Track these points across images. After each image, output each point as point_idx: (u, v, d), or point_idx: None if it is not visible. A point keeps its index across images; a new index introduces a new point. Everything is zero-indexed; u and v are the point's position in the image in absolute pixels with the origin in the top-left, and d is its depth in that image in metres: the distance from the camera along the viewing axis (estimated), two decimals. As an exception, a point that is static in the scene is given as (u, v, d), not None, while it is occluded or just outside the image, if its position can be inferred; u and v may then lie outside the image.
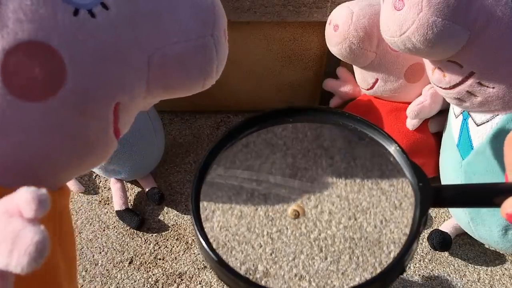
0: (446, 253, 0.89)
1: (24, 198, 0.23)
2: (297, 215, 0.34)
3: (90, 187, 1.01)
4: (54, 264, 0.37)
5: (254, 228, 0.35)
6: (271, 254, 0.33)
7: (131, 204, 0.97)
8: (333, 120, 0.36)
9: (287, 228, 0.35)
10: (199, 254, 0.88)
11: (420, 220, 0.28)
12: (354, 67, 0.94)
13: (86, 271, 0.85)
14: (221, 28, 0.43)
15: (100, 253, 0.89)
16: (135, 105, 0.41)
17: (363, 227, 0.34)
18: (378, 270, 0.30)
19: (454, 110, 0.80)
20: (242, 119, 0.37)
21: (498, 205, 0.26)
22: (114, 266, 0.86)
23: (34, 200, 0.23)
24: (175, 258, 0.88)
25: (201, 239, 0.29)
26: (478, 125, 0.73)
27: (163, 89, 0.42)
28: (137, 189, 1.00)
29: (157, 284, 0.84)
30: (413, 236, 0.28)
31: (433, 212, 0.97)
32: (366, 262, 0.31)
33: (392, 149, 0.35)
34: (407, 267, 0.29)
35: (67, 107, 0.34)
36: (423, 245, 0.91)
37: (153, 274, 0.85)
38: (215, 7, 0.41)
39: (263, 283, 0.30)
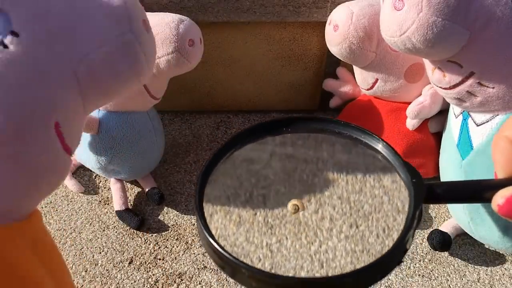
0: (446, 253, 0.89)
1: None
2: (297, 209, 0.34)
3: (90, 187, 1.01)
4: (40, 285, 0.38)
5: (253, 238, 0.34)
6: (270, 270, 0.33)
7: (131, 204, 0.97)
8: (321, 128, 0.37)
9: (287, 238, 0.34)
10: (199, 254, 0.88)
11: (414, 215, 0.29)
12: (354, 67, 0.94)
13: (86, 271, 0.85)
14: (138, 19, 0.42)
15: (100, 253, 0.89)
16: (78, 118, 0.41)
17: (365, 237, 0.34)
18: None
19: (454, 110, 0.80)
20: (244, 129, 0.37)
21: (488, 199, 0.27)
22: (114, 266, 0.86)
23: None
24: (175, 258, 0.88)
25: (210, 240, 0.30)
26: (478, 125, 0.73)
27: (100, 95, 0.41)
28: (137, 189, 1.00)
29: (157, 284, 0.84)
30: (406, 231, 0.29)
31: (433, 212, 0.97)
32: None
33: (380, 147, 0.35)
34: (402, 261, 0.29)
35: (6, 143, 0.33)
36: (423, 245, 0.91)
37: (153, 274, 0.85)
38: (125, 2, 0.40)
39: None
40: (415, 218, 0.29)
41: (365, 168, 0.37)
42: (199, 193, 0.33)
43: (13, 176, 0.35)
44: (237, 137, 0.36)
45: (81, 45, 0.37)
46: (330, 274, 0.31)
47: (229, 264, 0.29)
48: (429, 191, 0.30)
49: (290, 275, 0.30)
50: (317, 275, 0.31)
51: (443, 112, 0.89)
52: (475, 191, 0.29)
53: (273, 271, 0.32)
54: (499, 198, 0.26)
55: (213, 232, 0.33)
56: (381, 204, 0.36)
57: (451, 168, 0.81)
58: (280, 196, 0.38)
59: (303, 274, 0.32)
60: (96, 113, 0.86)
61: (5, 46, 0.34)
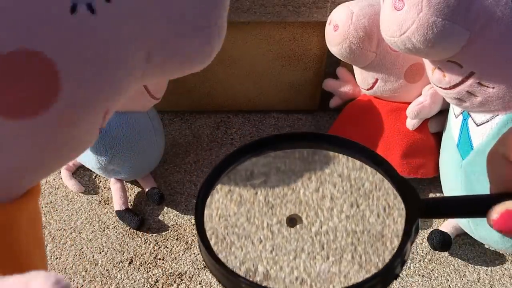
0: (446, 253, 0.89)
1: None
2: (294, 223, 0.34)
3: (90, 187, 1.01)
4: (31, 255, 0.37)
5: (254, 219, 0.34)
6: (271, 252, 0.32)
7: (131, 204, 0.97)
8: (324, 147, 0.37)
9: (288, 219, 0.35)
10: (199, 254, 0.88)
11: (411, 229, 0.29)
12: (354, 67, 0.94)
13: (86, 271, 0.85)
14: (224, 14, 0.38)
15: (100, 253, 0.89)
16: (124, 99, 0.37)
17: (366, 217, 0.34)
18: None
19: (454, 110, 0.80)
20: (246, 144, 0.36)
21: (484, 214, 0.28)
22: (114, 266, 0.86)
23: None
24: (175, 258, 0.88)
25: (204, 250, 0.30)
26: (478, 125, 0.73)
27: (157, 78, 0.38)
28: (137, 189, 1.00)
29: (157, 284, 0.84)
30: (404, 244, 0.29)
31: (433, 212, 0.98)
32: (369, 262, 0.31)
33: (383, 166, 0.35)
34: (399, 274, 0.29)
35: (60, 121, 0.30)
36: (423, 245, 0.91)
37: (153, 274, 0.85)
38: None
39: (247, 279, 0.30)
40: (412, 233, 0.29)
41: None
42: (200, 221, 0.33)
43: (43, 155, 0.32)
44: (236, 153, 0.36)
45: (164, 27, 0.33)
46: (331, 257, 0.31)
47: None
48: (425, 206, 0.30)
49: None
50: (318, 257, 0.31)
51: (443, 112, 0.89)
52: (471, 206, 0.30)
53: (274, 253, 0.32)
54: (493, 213, 0.26)
55: (214, 213, 0.33)
56: (381, 181, 0.36)
57: (451, 168, 0.81)
58: (281, 174, 0.37)
59: (303, 256, 0.32)
60: (96, 113, 0.86)
61: (93, 11, 0.28)
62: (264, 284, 0.30)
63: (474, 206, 0.29)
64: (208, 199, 0.35)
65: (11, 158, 0.30)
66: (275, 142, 0.38)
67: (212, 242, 0.33)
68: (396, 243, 0.31)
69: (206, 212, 0.35)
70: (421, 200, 0.31)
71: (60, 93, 0.28)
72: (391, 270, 0.29)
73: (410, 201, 0.31)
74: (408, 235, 0.29)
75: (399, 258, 0.29)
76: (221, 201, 0.36)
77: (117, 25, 0.30)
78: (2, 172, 0.31)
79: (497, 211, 0.26)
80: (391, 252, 0.31)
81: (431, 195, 1.00)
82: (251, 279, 0.30)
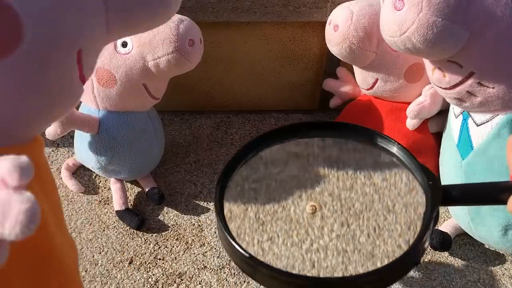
0: (446, 253, 0.89)
1: (6, 168, 0.22)
2: (314, 210, 0.34)
3: (90, 187, 1.01)
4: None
5: (244, 235, 0.34)
6: None
7: (131, 204, 0.97)
8: (342, 135, 0.37)
9: (278, 236, 0.34)
10: (199, 254, 0.89)
11: (431, 217, 0.29)
12: (354, 67, 0.94)
13: (86, 271, 0.85)
14: None
15: (100, 253, 0.89)
16: (97, 48, 0.40)
17: (356, 237, 0.34)
18: None
19: (454, 110, 0.80)
20: (260, 135, 0.37)
21: (504, 201, 0.27)
22: (114, 266, 0.86)
23: (16, 168, 0.22)
24: (175, 258, 0.88)
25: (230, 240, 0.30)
26: (478, 125, 0.73)
27: (125, 28, 0.40)
28: (137, 189, 1.00)
29: (157, 284, 0.84)
30: (424, 232, 0.29)
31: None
32: None
33: (395, 149, 0.35)
34: (419, 261, 0.29)
35: (28, 62, 0.32)
36: (423, 245, 0.91)
37: (153, 274, 0.85)
38: None
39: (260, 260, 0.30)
40: (432, 220, 0.29)
41: (356, 164, 0.37)
42: (219, 201, 0.33)
43: (28, 96, 0.34)
44: (262, 137, 0.36)
45: None
46: (322, 276, 0.31)
47: (250, 265, 0.29)
48: (445, 193, 0.30)
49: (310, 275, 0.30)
50: (309, 275, 0.31)
51: (443, 112, 0.89)
52: (491, 193, 0.29)
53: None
54: None
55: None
56: (371, 202, 0.36)
57: (451, 168, 0.81)
58: (271, 191, 0.37)
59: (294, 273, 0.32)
60: (96, 113, 0.86)
61: None
62: None
63: (493, 193, 0.29)
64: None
65: (3, 100, 0.33)
66: (299, 130, 0.38)
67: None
68: (386, 263, 0.31)
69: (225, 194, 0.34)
70: (442, 188, 0.31)
71: (23, 34, 0.31)
72: (412, 255, 0.28)
73: (431, 188, 0.31)
74: (429, 221, 0.29)
75: (420, 243, 0.29)
76: (212, 218, 0.36)
77: None
78: (6, 115, 0.34)
79: None
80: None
81: (431, 195, 1.00)
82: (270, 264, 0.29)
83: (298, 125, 0.38)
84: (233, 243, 0.30)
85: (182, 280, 0.84)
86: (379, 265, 0.31)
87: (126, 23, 0.40)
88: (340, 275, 0.31)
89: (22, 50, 0.31)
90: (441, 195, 0.30)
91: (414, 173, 0.34)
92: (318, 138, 0.38)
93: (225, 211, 0.35)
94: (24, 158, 0.23)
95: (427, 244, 0.29)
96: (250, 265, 0.29)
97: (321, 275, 0.31)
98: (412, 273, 0.86)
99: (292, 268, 0.32)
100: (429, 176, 0.32)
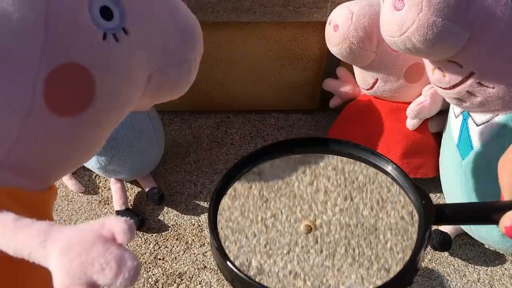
0: (446, 253, 0.89)
1: (120, 227, 0.26)
2: (309, 230, 0.34)
3: (90, 187, 1.01)
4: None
5: (248, 213, 0.34)
6: (265, 246, 0.32)
7: (131, 204, 0.97)
8: (334, 150, 0.37)
9: (281, 213, 0.34)
10: (199, 254, 0.89)
11: (424, 236, 0.29)
12: (354, 67, 0.94)
13: (86, 271, 0.85)
14: (201, 52, 0.50)
15: (100, 253, 0.89)
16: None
17: (359, 210, 0.34)
18: (374, 265, 0.30)
19: (454, 110, 0.80)
20: (255, 149, 0.37)
21: (496, 221, 0.28)
22: (114, 266, 0.86)
23: (129, 229, 0.26)
24: (175, 258, 0.88)
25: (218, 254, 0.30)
26: (478, 125, 0.73)
27: (147, 100, 0.48)
28: (137, 189, 1.00)
29: (157, 284, 0.84)
30: (417, 252, 0.29)
31: (433, 212, 0.97)
32: (362, 255, 0.31)
33: (389, 169, 0.35)
34: (412, 282, 0.29)
35: (91, 122, 0.38)
36: (423, 245, 0.91)
37: (153, 274, 0.85)
38: (199, 32, 0.48)
39: (257, 281, 0.30)
40: (425, 239, 0.29)
41: (374, 192, 0.37)
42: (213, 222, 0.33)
43: (75, 149, 0.39)
44: (238, 165, 0.36)
45: (159, 57, 0.43)
46: (324, 251, 0.31)
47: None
48: (438, 212, 0.30)
49: None
50: (312, 251, 0.31)
51: (443, 112, 0.89)
52: (483, 213, 0.29)
53: (268, 247, 0.32)
54: (506, 220, 0.26)
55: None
56: (375, 174, 0.36)
57: (451, 168, 0.81)
58: (275, 168, 0.37)
59: (297, 250, 0.32)
60: (96, 113, 0.86)
61: (117, 40, 0.37)
62: (257, 278, 0.30)
63: (486, 213, 0.29)
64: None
65: (56, 150, 0.38)
66: (291, 146, 0.38)
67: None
68: (389, 236, 0.31)
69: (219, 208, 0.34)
70: (435, 207, 0.31)
71: (94, 98, 0.36)
72: (406, 275, 0.28)
73: (424, 208, 0.31)
74: (422, 240, 0.29)
75: (413, 265, 0.29)
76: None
77: (132, 51, 0.39)
78: (49, 162, 0.38)
79: (510, 218, 0.26)
80: (384, 246, 0.31)
81: (431, 195, 1.00)
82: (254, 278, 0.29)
83: (289, 141, 0.38)
84: (229, 263, 0.30)
85: (182, 280, 0.84)
86: (381, 238, 0.31)
87: (153, 97, 0.48)
88: (343, 250, 0.31)
89: (89, 112, 0.36)
90: (434, 214, 0.31)
91: (407, 192, 0.34)
92: (313, 153, 0.39)
93: (229, 190, 0.35)
94: (131, 221, 0.27)
95: (419, 264, 0.30)
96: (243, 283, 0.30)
97: (324, 251, 0.31)
98: (412, 273, 0.86)
99: (295, 245, 0.32)
100: (422, 195, 0.32)
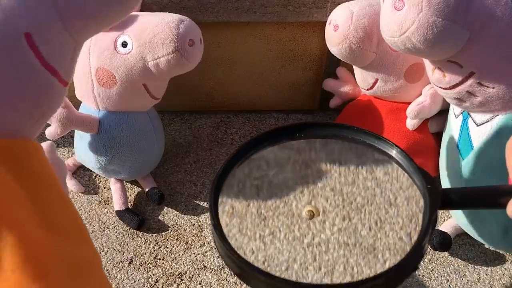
0: (446, 253, 0.89)
1: None
2: (312, 215, 0.34)
3: (90, 187, 1.01)
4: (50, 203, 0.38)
5: (246, 230, 0.34)
6: (263, 263, 0.32)
7: (131, 204, 0.97)
8: (337, 134, 0.37)
9: (280, 230, 0.34)
10: (199, 254, 0.89)
11: (430, 220, 0.29)
12: (354, 67, 0.94)
13: (86, 271, 0.85)
14: None
15: (100, 253, 0.89)
16: (58, 38, 0.40)
17: (358, 230, 0.34)
18: None
19: (454, 110, 0.80)
20: (253, 137, 0.37)
21: (503, 205, 0.27)
22: (114, 266, 0.86)
23: None
24: (175, 258, 0.88)
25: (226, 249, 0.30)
26: (478, 125, 0.73)
27: (81, 19, 0.40)
28: (137, 189, 1.00)
29: (157, 284, 0.84)
30: (423, 236, 0.29)
31: (433, 212, 0.97)
32: (361, 273, 0.31)
33: (394, 153, 0.35)
34: (418, 266, 0.29)
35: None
36: (423, 245, 0.91)
37: (153, 274, 0.85)
38: None
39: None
40: (431, 224, 0.29)
41: (357, 159, 0.37)
42: (214, 209, 0.33)
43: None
44: (250, 142, 0.36)
45: None
46: (323, 268, 0.31)
47: (247, 272, 0.29)
48: (444, 197, 0.30)
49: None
50: (310, 268, 0.31)
51: (443, 112, 0.89)
52: (490, 197, 0.29)
53: (266, 264, 0.32)
54: None
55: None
56: (373, 196, 0.36)
57: (451, 168, 0.81)
58: (273, 187, 0.37)
59: (295, 267, 0.32)
60: (96, 113, 0.86)
61: None
62: None
63: (492, 197, 0.29)
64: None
65: (53, 111, 0.39)
66: (292, 131, 0.38)
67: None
68: (388, 255, 0.31)
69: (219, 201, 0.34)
70: (441, 191, 0.30)
71: None
72: (411, 260, 0.28)
73: (430, 192, 0.31)
74: (428, 225, 0.29)
75: (419, 248, 0.29)
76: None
77: None
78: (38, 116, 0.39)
79: None
80: (383, 265, 0.31)
81: (431, 195, 1.00)
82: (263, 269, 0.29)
83: (297, 125, 0.38)
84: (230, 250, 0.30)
85: (182, 280, 0.84)
86: (380, 258, 0.31)
87: (81, 13, 0.40)
88: (341, 268, 0.31)
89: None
90: (439, 199, 0.30)
91: (413, 177, 0.34)
92: (318, 138, 0.38)
93: (227, 207, 0.35)
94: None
95: (426, 248, 0.29)
96: (244, 271, 0.29)
97: (322, 268, 0.31)
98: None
99: (294, 262, 0.32)
100: (428, 179, 0.32)
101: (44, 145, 0.59)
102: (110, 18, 0.42)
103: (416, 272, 0.86)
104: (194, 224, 0.94)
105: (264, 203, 0.36)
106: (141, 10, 0.87)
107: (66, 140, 1.10)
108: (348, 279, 0.31)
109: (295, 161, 0.40)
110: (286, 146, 0.38)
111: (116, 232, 0.92)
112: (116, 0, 0.41)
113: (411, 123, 0.91)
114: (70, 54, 0.43)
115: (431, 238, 0.30)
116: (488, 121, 0.72)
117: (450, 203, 0.30)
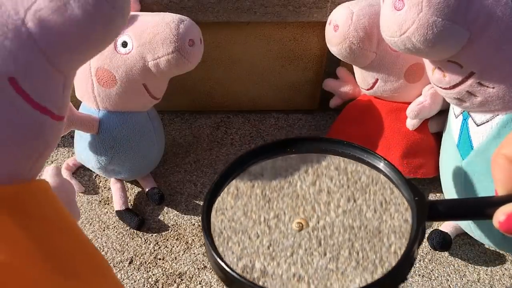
0: (446, 253, 0.89)
1: None
2: (301, 227, 0.33)
3: (90, 187, 1.01)
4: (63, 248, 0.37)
5: (251, 213, 0.34)
6: (268, 248, 0.32)
7: (131, 204, 0.97)
8: (328, 149, 0.37)
9: (284, 213, 0.34)
10: (199, 254, 0.88)
11: (417, 232, 0.29)
12: (354, 67, 0.94)
13: (86, 271, 0.85)
14: None
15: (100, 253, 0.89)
16: (45, 76, 0.38)
17: (363, 212, 0.33)
18: (379, 269, 0.30)
19: (454, 110, 0.80)
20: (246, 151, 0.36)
21: (490, 216, 0.27)
22: (114, 266, 0.86)
23: None
24: (175, 258, 0.88)
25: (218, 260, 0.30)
26: (478, 125, 0.73)
27: (67, 54, 0.39)
28: (137, 189, 1.00)
29: (157, 284, 0.84)
30: (410, 247, 0.29)
31: (433, 212, 0.97)
32: (366, 259, 0.31)
33: (381, 165, 0.35)
34: (407, 278, 0.29)
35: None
36: (423, 245, 0.91)
37: (153, 274, 0.85)
38: None
39: (260, 283, 0.30)
40: (418, 235, 0.29)
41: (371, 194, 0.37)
42: (206, 221, 0.33)
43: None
44: (237, 161, 0.36)
45: None
46: (328, 254, 0.31)
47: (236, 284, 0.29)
48: (431, 209, 0.30)
49: None
50: (315, 253, 0.31)
51: (443, 112, 0.89)
52: (477, 208, 0.29)
53: (271, 249, 0.31)
54: (500, 214, 0.26)
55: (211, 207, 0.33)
56: (378, 175, 0.35)
57: (451, 168, 0.81)
58: (277, 167, 0.37)
59: (301, 252, 0.31)
60: (96, 113, 0.86)
61: None
62: (261, 281, 0.30)
63: (479, 208, 0.29)
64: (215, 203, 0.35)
65: (52, 148, 0.39)
66: (286, 145, 0.38)
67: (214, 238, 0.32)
68: (393, 239, 0.31)
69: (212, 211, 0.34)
70: (428, 203, 0.31)
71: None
72: (399, 273, 0.28)
73: (417, 204, 0.31)
74: (416, 237, 0.29)
75: (406, 260, 0.29)
76: (220, 195, 0.36)
77: None
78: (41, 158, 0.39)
79: (503, 213, 0.26)
80: (388, 249, 0.31)
81: (431, 195, 1.00)
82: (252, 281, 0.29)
83: (285, 141, 0.38)
84: (220, 262, 0.30)
85: (182, 280, 0.84)
86: (385, 241, 0.31)
87: (62, 45, 0.38)
88: (346, 253, 0.31)
89: None
90: (427, 211, 0.30)
91: (400, 189, 0.34)
92: (308, 153, 0.38)
93: (231, 189, 0.35)
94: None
95: (413, 259, 0.29)
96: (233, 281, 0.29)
97: (328, 254, 0.31)
98: (412, 273, 0.86)
99: (299, 247, 0.32)
100: (415, 191, 0.32)
101: (49, 169, 0.59)
102: (95, 46, 0.40)
103: (416, 272, 0.86)
104: (194, 224, 0.94)
105: (268, 183, 0.36)
106: (141, 10, 0.87)
107: (66, 140, 1.10)
108: (353, 264, 0.31)
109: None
110: (278, 159, 0.38)
111: (116, 232, 0.92)
112: (100, 26, 0.38)
113: (411, 123, 0.91)
114: (61, 88, 0.41)
115: (418, 249, 0.30)
116: (488, 121, 0.72)
117: (438, 214, 0.30)
